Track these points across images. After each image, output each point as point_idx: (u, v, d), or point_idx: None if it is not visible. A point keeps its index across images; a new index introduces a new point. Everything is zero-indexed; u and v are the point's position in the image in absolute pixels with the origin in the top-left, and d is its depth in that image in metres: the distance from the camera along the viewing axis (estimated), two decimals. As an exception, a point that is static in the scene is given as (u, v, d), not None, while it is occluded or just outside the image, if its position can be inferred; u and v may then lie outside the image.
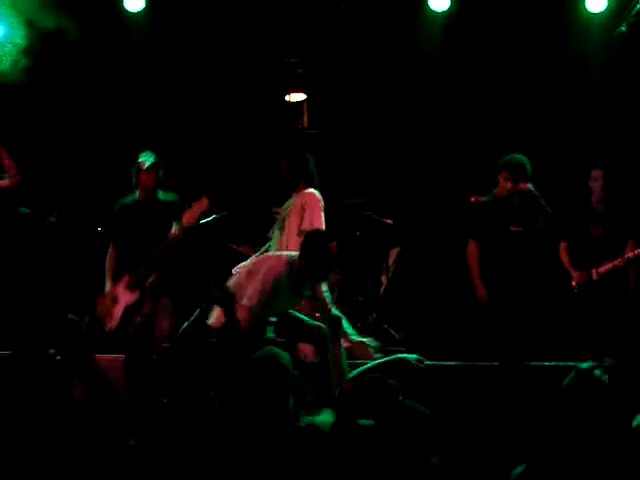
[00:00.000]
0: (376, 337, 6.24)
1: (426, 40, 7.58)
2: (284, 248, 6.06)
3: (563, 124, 7.60)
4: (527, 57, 7.62)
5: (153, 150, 6.27)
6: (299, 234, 6.05)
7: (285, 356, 3.68)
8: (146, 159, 6.19)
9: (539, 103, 7.67)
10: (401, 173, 7.99)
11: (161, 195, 6.27)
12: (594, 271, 6.26)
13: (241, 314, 5.35)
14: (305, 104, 8.05)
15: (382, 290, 7.54)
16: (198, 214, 6.02)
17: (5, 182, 6.73)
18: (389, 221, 7.21)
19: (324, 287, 5.57)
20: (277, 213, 6.45)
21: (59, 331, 6.28)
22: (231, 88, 8.00)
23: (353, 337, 5.52)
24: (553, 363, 6.17)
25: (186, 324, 6.01)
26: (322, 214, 6.18)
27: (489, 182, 6.25)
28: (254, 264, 5.65)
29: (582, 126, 7.51)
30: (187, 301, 6.31)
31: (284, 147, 6.73)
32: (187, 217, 5.98)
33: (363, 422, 3.55)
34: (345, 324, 5.51)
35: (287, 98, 8.05)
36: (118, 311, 6.22)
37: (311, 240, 5.40)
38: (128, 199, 6.32)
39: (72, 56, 7.53)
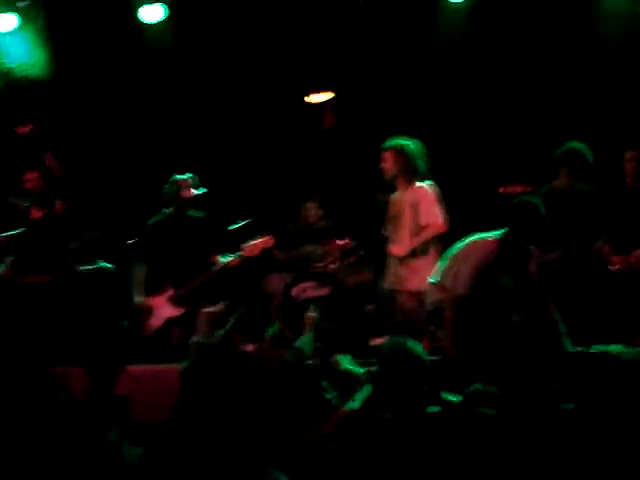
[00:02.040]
0: None
1: (447, 30, 7.45)
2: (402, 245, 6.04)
3: (594, 107, 7.45)
4: (553, 41, 7.47)
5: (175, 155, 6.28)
6: (415, 231, 5.99)
7: (418, 347, 3.73)
8: (189, 178, 6.30)
9: (568, 87, 7.51)
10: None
11: (191, 212, 6.36)
12: (633, 255, 6.07)
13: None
14: (328, 104, 7.96)
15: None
16: (260, 249, 6.21)
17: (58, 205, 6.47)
18: None
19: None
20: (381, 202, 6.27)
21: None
22: (252, 91, 7.95)
23: None
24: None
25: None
26: (438, 207, 6.00)
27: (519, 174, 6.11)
28: (462, 250, 5.46)
29: (613, 108, 7.35)
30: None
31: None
32: (249, 249, 6.19)
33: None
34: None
35: (308, 99, 7.95)
36: (155, 323, 6.19)
37: (520, 209, 5.26)
38: (159, 216, 6.36)
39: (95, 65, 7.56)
